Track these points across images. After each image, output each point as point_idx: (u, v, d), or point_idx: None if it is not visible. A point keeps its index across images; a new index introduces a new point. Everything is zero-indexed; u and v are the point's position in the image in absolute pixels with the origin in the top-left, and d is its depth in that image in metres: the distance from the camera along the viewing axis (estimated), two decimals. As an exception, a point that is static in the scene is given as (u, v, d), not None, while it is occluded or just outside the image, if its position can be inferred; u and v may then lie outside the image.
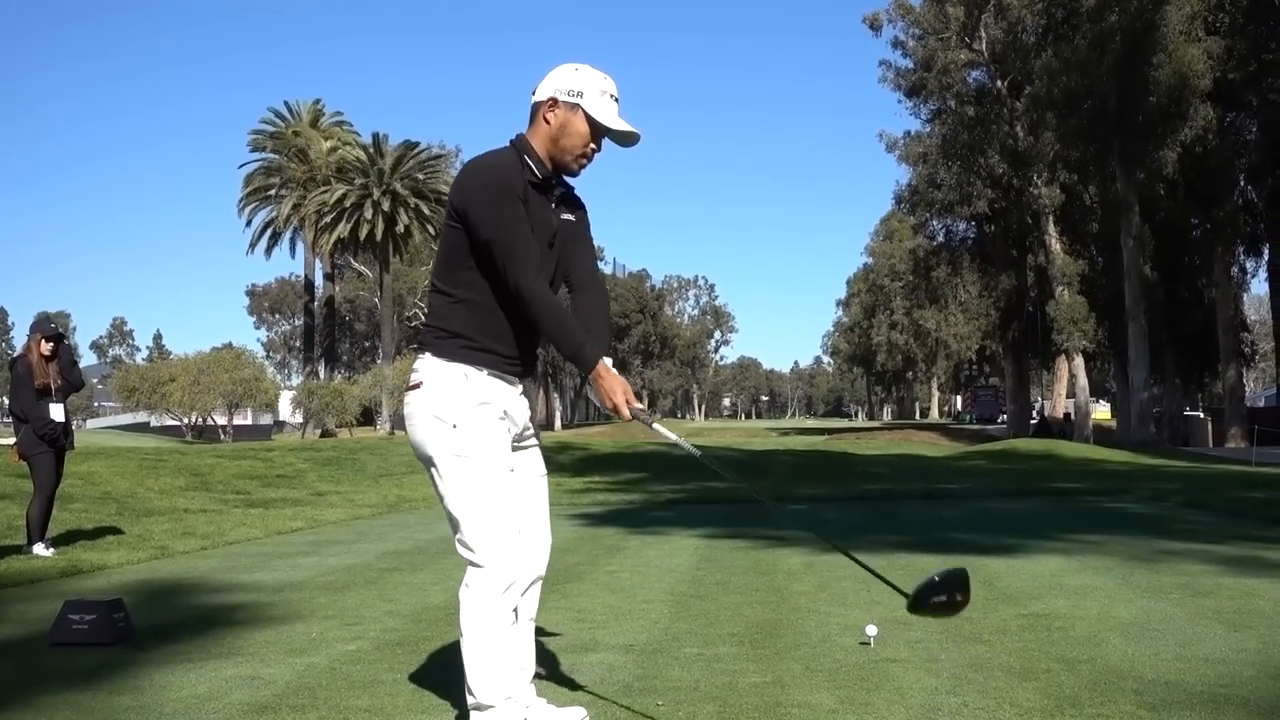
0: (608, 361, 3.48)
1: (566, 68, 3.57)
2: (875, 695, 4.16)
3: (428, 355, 3.52)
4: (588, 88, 3.54)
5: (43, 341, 9.40)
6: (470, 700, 3.43)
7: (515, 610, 3.47)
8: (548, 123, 3.55)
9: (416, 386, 3.51)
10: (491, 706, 3.38)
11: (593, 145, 3.58)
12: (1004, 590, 6.64)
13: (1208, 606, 5.95)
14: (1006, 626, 5.47)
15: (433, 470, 3.50)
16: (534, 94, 3.59)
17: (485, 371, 3.50)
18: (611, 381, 3.45)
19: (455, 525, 3.44)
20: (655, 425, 3.70)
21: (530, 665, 3.62)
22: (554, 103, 3.54)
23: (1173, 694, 4.09)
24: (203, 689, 4.45)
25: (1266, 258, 45.71)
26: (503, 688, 3.39)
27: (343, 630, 5.73)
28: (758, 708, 4.00)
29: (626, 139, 3.60)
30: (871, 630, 5.06)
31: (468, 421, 3.45)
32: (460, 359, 3.48)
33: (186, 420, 56.32)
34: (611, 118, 3.55)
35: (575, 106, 3.53)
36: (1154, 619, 5.62)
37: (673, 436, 3.80)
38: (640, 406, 3.50)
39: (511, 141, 3.60)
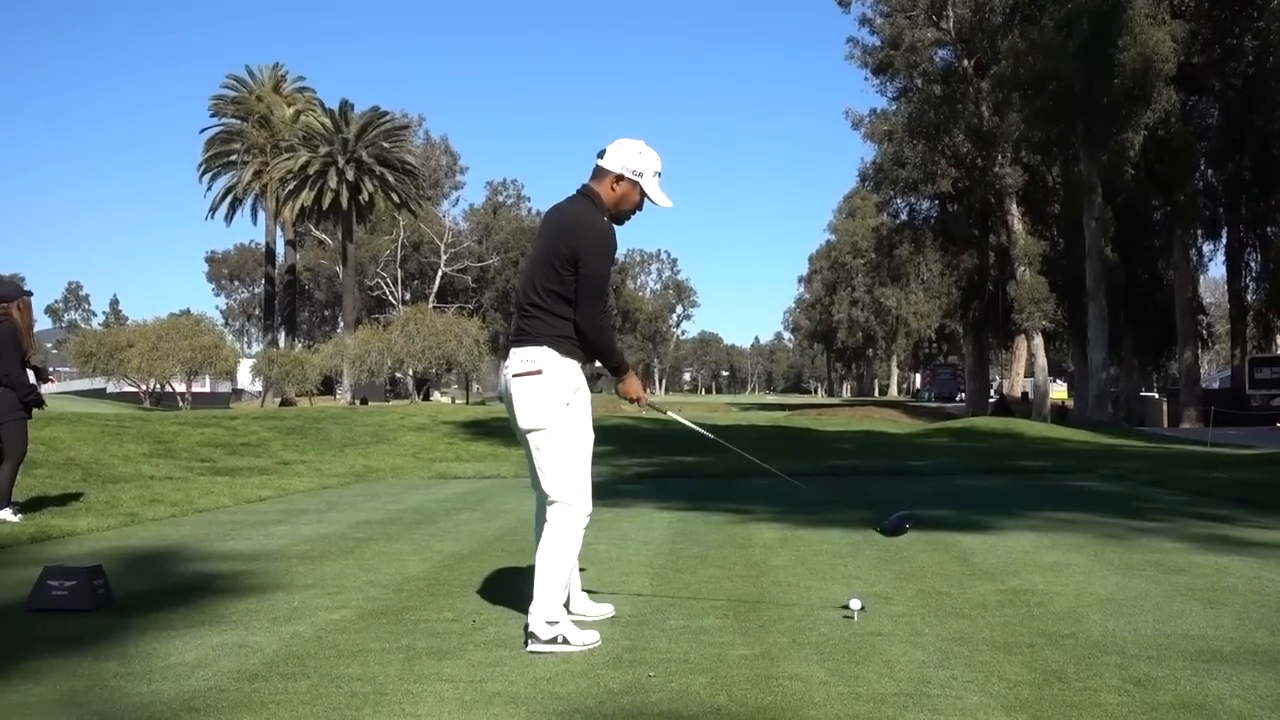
0: None
1: (632, 147, 4.62)
2: (864, 668, 4.20)
3: (546, 349, 4.50)
4: (646, 169, 4.62)
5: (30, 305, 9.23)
6: (540, 617, 4.41)
7: None
8: (614, 190, 4.62)
9: (538, 373, 4.49)
10: (557, 622, 4.42)
11: (639, 209, 4.70)
12: (980, 566, 6.71)
13: (1181, 583, 6.05)
14: (986, 601, 5.53)
15: (539, 436, 4.52)
16: (602, 158, 4.64)
17: (578, 365, 4.56)
18: (635, 381, 4.80)
19: (555, 477, 4.51)
20: (671, 414, 5.54)
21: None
22: (620, 178, 4.60)
23: (1156, 668, 4.16)
24: (190, 656, 4.43)
25: (1224, 241, 46.37)
26: (562, 601, 4.51)
27: (324, 599, 5.71)
28: (750, 680, 4.02)
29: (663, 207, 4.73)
30: (855, 604, 5.10)
31: (575, 401, 4.55)
32: (572, 356, 4.54)
33: (144, 387, 55.63)
34: (660, 196, 4.67)
35: (636, 184, 4.62)
36: (1130, 595, 5.70)
37: (686, 422, 5.42)
38: (654, 399, 4.86)
39: (585, 194, 4.63)
